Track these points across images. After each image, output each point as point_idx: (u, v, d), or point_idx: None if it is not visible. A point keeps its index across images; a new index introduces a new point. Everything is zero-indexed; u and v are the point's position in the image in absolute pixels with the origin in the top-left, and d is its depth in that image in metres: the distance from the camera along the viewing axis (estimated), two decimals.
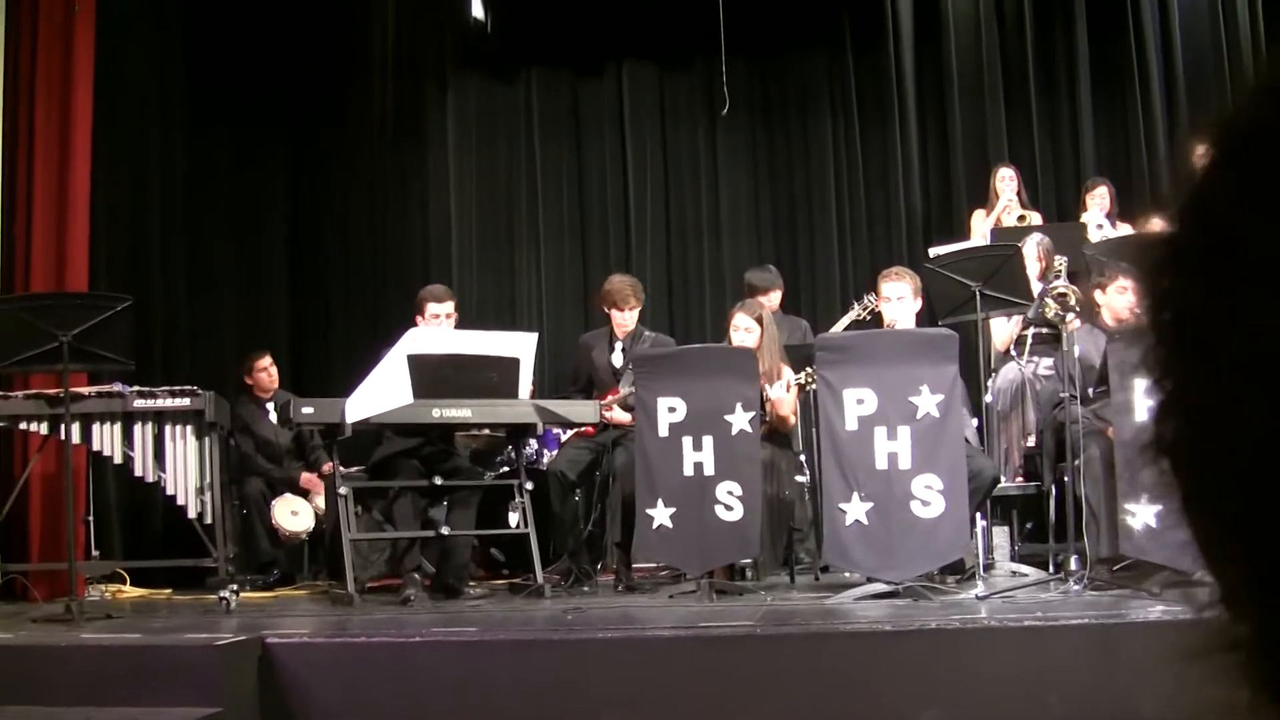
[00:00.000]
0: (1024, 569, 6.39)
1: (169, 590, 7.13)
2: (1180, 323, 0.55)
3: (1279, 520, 0.51)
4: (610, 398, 6.88)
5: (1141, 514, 5.26)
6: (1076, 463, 5.75)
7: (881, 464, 5.58)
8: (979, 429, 6.80)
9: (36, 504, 6.95)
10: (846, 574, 6.17)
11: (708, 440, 5.87)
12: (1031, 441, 6.80)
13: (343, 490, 6.26)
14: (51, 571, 6.73)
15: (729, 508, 5.82)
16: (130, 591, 7.03)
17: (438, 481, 6.47)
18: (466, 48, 10.20)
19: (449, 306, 6.96)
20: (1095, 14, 9.56)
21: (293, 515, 7.54)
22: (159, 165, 8.57)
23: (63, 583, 6.20)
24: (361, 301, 9.95)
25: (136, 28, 8.28)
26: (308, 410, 6.30)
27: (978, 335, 6.46)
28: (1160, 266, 0.56)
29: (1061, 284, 5.98)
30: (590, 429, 6.93)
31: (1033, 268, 6.73)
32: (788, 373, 6.41)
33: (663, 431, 5.95)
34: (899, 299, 6.38)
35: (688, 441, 5.89)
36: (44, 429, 6.48)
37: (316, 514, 7.57)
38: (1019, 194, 8.43)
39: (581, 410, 6.76)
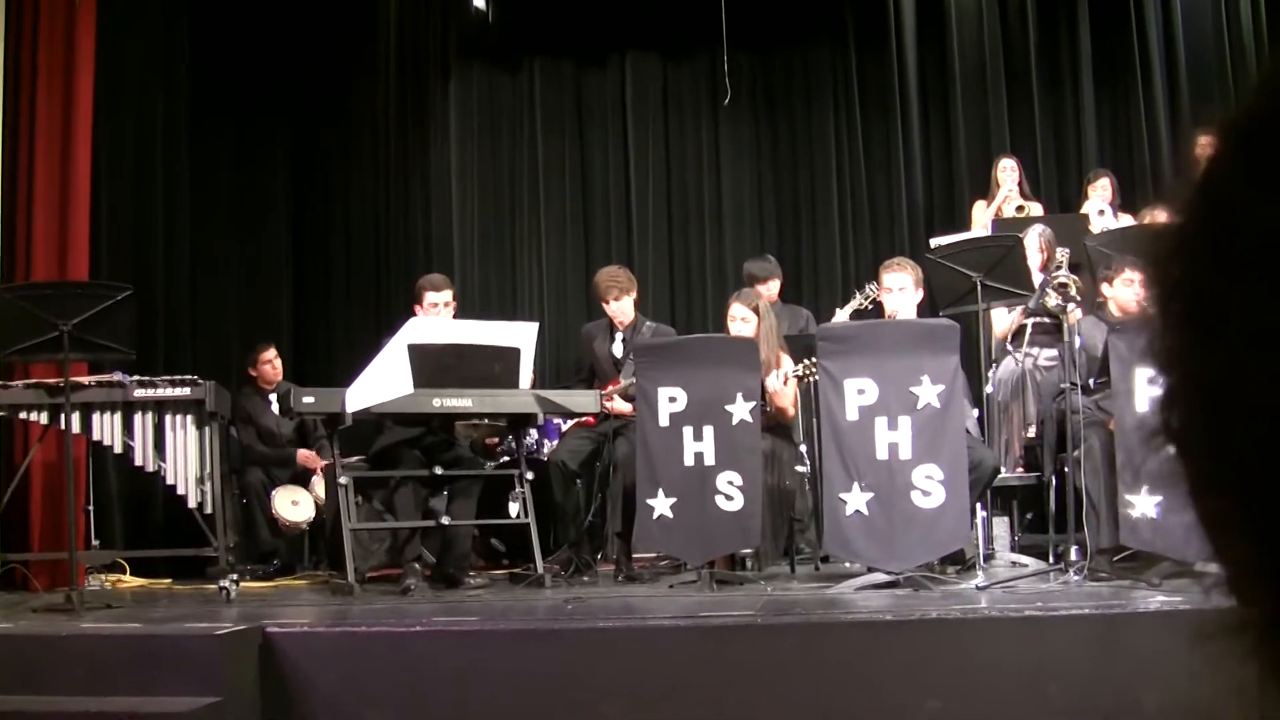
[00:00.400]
0: (1024, 559, 6.40)
1: (169, 580, 7.14)
2: (1191, 306, 0.55)
3: None
4: (611, 388, 6.88)
5: (1142, 505, 5.26)
6: (1077, 453, 5.74)
7: (882, 454, 5.58)
8: (979, 420, 6.80)
9: (37, 493, 6.95)
10: (847, 564, 6.18)
11: (708, 430, 5.87)
12: (1032, 432, 6.79)
13: (343, 480, 6.27)
14: (52, 561, 6.73)
15: (729, 498, 5.82)
16: (130, 581, 7.03)
17: (438, 471, 6.47)
18: (469, 39, 10.21)
19: (447, 295, 6.96)
20: (1098, 6, 9.55)
21: (293, 505, 7.54)
22: (162, 155, 8.55)
23: (63, 572, 6.19)
24: (364, 292, 9.96)
25: (139, 16, 8.27)
26: (308, 400, 6.30)
27: (978, 326, 6.46)
28: (1169, 252, 0.57)
29: (1063, 274, 5.98)
30: (591, 419, 6.94)
31: (1034, 259, 6.72)
32: (787, 363, 6.41)
33: (663, 421, 5.95)
34: (900, 290, 6.39)
35: (688, 431, 5.89)
36: (44, 418, 6.48)
37: (317, 504, 7.57)
38: (1020, 185, 8.44)
39: (582, 400, 6.76)
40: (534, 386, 6.88)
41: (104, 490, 7.38)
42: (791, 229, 10.07)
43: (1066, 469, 5.89)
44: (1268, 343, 0.51)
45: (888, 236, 9.71)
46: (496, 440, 7.82)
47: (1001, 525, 6.73)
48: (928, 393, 5.56)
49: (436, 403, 6.33)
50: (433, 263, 9.40)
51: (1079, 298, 5.93)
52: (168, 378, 6.66)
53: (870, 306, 7.30)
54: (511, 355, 6.46)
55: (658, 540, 6.18)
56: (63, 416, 6.03)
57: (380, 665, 4.62)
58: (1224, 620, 0.55)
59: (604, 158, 10.31)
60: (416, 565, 6.37)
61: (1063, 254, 6.42)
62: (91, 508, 7.00)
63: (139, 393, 6.56)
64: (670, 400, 5.94)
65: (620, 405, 6.75)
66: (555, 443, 7.40)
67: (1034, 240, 6.87)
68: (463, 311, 7.16)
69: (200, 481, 6.53)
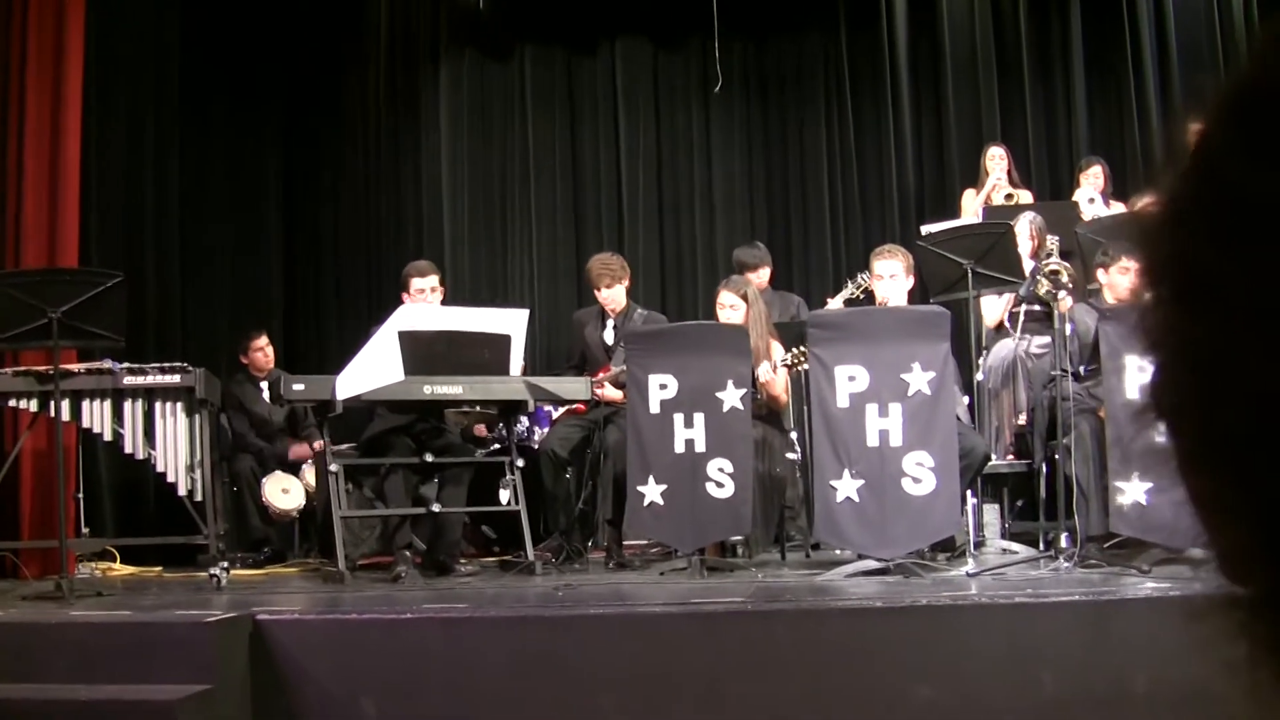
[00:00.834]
0: (1015, 546, 6.40)
1: (160, 567, 7.12)
2: (1184, 281, 0.55)
3: None
4: (602, 375, 6.88)
5: (1132, 491, 5.27)
6: (1067, 440, 5.75)
7: (873, 441, 5.58)
8: (970, 407, 6.81)
9: (27, 481, 6.92)
10: (838, 551, 6.18)
11: (699, 417, 5.87)
12: (1023, 419, 6.80)
13: (334, 467, 6.26)
14: (42, 549, 6.71)
15: (720, 485, 5.82)
16: (121, 569, 7.02)
17: (429, 458, 6.46)
18: (460, 25, 10.17)
19: (434, 280, 6.94)
20: None
21: (284, 493, 7.53)
22: (153, 141, 8.53)
23: (53, 560, 6.17)
24: (355, 279, 9.95)
25: (130, 1, 8.23)
26: (298, 387, 6.28)
27: (969, 313, 6.46)
28: (1164, 227, 0.56)
29: (1054, 261, 5.98)
30: (581, 406, 6.93)
31: (1025, 246, 6.73)
32: (778, 350, 6.41)
33: (654, 408, 5.95)
34: (891, 277, 6.38)
35: (679, 418, 5.90)
36: (34, 406, 6.44)
37: (307, 491, 7.57)
38: (1009, 173, 8.44)
39: (573, 387, 6.75)
40: (525, 373, 6.87)
41: (94, 478, 7.36)
42: (782, 216, 10.07)
43: (1057, 456, 5.91)
44: (1262, 317, 0.51)
45: (879, 223, 9.71)
46: (487, 427, 7.81)
47: (992, 512, 6.74)
48: (918, 380, 5.56)
49: (427, 389, 6.32)
50: (424, 249, 9.38)
51: (1070, 285, 5.94)
52: (158, 365, 6.63)
53: (862, 296, 7.30)
54: (502, 342, 6.45)
55: (649, 527, 6.18)
56: (52, 404, 6.01)
57: (371, 652, 4.62)
58: (1214, 599, 0.55)
59: (595, 144, 10.29)
60: (407, 552, 6.36)
61: (1054, 241, 6.42)
62: (81, 495, 6.96)
63: (129, 380, 6.52)
64: (661, 387, 5.95)
65: (611, 392, 6.75)
66: (546, 430, 7.39)
67: (1025, 228, 6.88)
68: (454, 298, 7.15)
69: (190, 469, 6.50)
